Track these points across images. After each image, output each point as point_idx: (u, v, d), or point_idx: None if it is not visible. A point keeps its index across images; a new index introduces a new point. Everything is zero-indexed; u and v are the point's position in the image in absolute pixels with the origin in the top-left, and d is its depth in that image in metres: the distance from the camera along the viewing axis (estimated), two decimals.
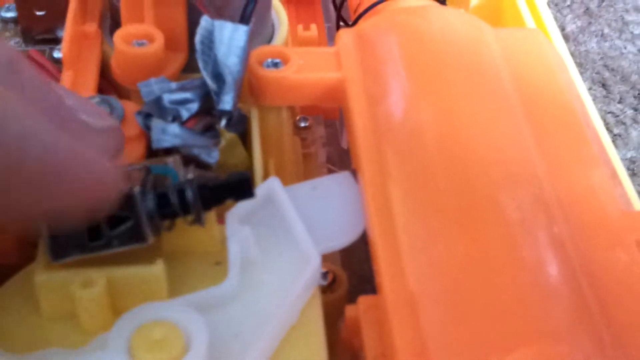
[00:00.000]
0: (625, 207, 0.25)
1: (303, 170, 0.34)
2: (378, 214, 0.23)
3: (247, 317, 0.22)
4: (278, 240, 0.24)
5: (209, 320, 0.21)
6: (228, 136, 0.27)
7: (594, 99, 0.49)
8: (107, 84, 0.31)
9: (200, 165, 0.26)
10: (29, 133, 0.18)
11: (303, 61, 0.28)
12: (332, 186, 0.26)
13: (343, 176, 0.26)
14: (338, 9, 0.38)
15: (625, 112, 0.50)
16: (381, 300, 0.22)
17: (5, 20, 0.36)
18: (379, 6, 0.33)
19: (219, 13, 0.29)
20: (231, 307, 0.22)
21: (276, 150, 0.29)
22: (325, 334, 0.22)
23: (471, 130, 0.25)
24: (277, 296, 0.22)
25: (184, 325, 0.20)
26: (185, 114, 0.26)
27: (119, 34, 0.29)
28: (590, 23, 0.55)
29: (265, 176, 0.27)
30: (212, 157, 0.26)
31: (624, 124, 0.49)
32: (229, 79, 0.26)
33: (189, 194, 0.22)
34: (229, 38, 0.26)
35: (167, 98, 0.26)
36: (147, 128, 0.26)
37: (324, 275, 0.26)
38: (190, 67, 0.30)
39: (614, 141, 0.47)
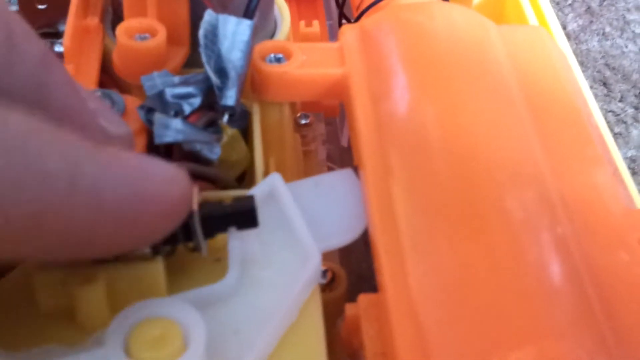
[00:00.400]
0: (628, 205, 0.24)
1: (303, 167, 0.33)
2: (380, 211, 0.23)
3: (246, 314, 0.22)
4: (279, 237, 0.24)
5: (208, 317, 0.21)
6: (230, 132, 0.26)
7: (595, 97, 0.49)
8: (108, 78, 0.31)
9: (202, 160, 0.26)
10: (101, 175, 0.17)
11: (306, 56, 0.28)
12: (334, 183, 0.26)
13: (346, 173, 0.26)
14: (340, 5, 0.37)
15: (626, 110, 0.50)
16: (382, 299, 0.22)
17: None
18: (382, 3, 0.33)
19: (223, 7, 0.29)
20: (231, 304, 0.22)
21: (277, 147, 0.29)
22: (325, 333, 0.22)
23: (475, 129, 0.25)
24: (277, 293, 0.22)
25: (183, 322, 0.20)
26: (187, 108, 0.26)
27: (121, 28, 0.28)
28: (591, 22, 0.55)
29: (266, 172, 0.26)
30: (214, 152, 0.26)
31: (624, 122, 0.49)
32: (232, 73, 0.26)
33: (194, 224, 0.21)
34: (232, 32, 0.26)
35: (169, 92, 0.26)
36: (149, 123, 0.26)
37: (324, 273, 0.26)
38: (191, 62, 0.30)
39: (614, 140, 0.47)
